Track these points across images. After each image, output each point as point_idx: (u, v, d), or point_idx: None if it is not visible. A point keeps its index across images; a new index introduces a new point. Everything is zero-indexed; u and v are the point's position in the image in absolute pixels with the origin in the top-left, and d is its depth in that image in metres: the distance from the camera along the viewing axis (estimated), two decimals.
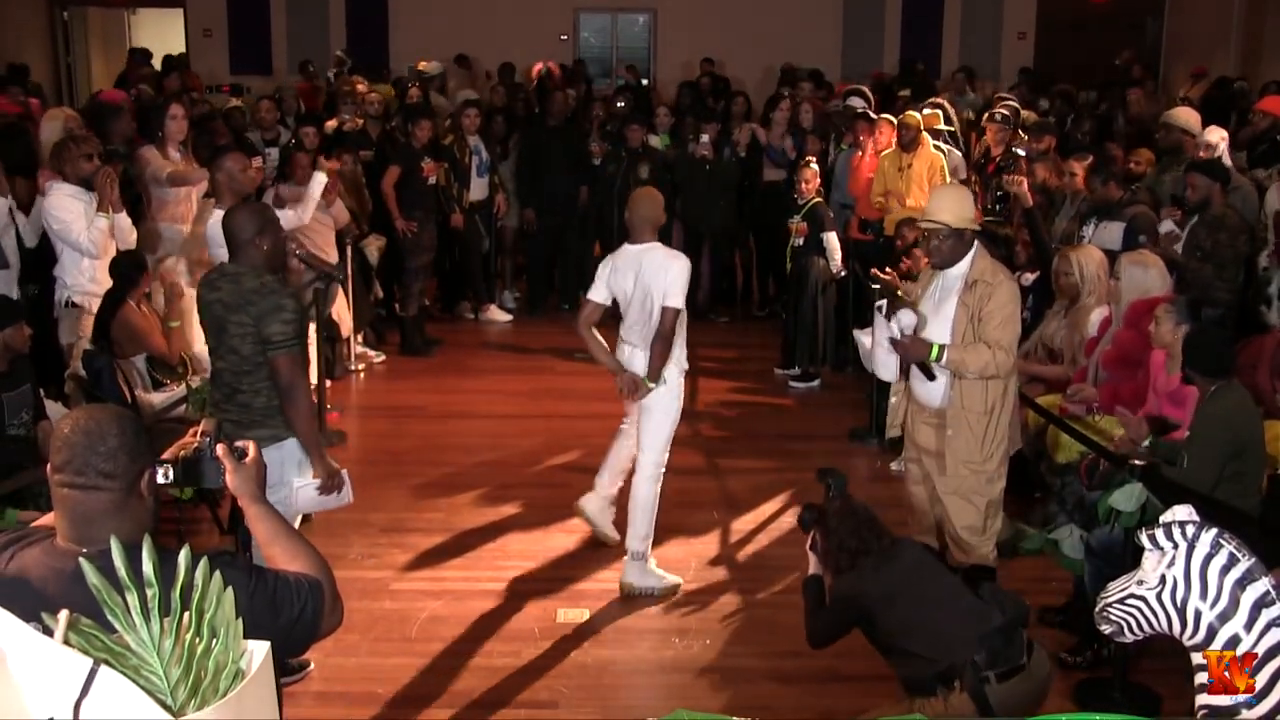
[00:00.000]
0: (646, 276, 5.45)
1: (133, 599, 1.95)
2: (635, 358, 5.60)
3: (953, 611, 3.87)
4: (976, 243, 5.03)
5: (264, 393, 4.47)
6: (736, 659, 5.01)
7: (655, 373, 5.51)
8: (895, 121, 9.17)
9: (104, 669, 1.87)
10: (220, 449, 2.59)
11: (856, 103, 10.49)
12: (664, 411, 5.61)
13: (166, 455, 2.59)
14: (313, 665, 4.84)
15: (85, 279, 6.60)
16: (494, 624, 5.25)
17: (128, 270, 6.42)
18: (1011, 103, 10.22)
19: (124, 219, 6.61)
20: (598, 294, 5.74)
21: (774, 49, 16.66)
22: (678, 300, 5.41)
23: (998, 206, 8.64)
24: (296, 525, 4.55)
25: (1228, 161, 7.62)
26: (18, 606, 2.10)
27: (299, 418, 4.47)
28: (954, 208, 4.95)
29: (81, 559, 2.03)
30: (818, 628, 4.22)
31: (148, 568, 1.98)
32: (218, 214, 6.08)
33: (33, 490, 4.95)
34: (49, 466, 2.36)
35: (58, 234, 6.50)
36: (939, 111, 10.04)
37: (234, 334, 4.44)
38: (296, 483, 4.54)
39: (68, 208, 6.47)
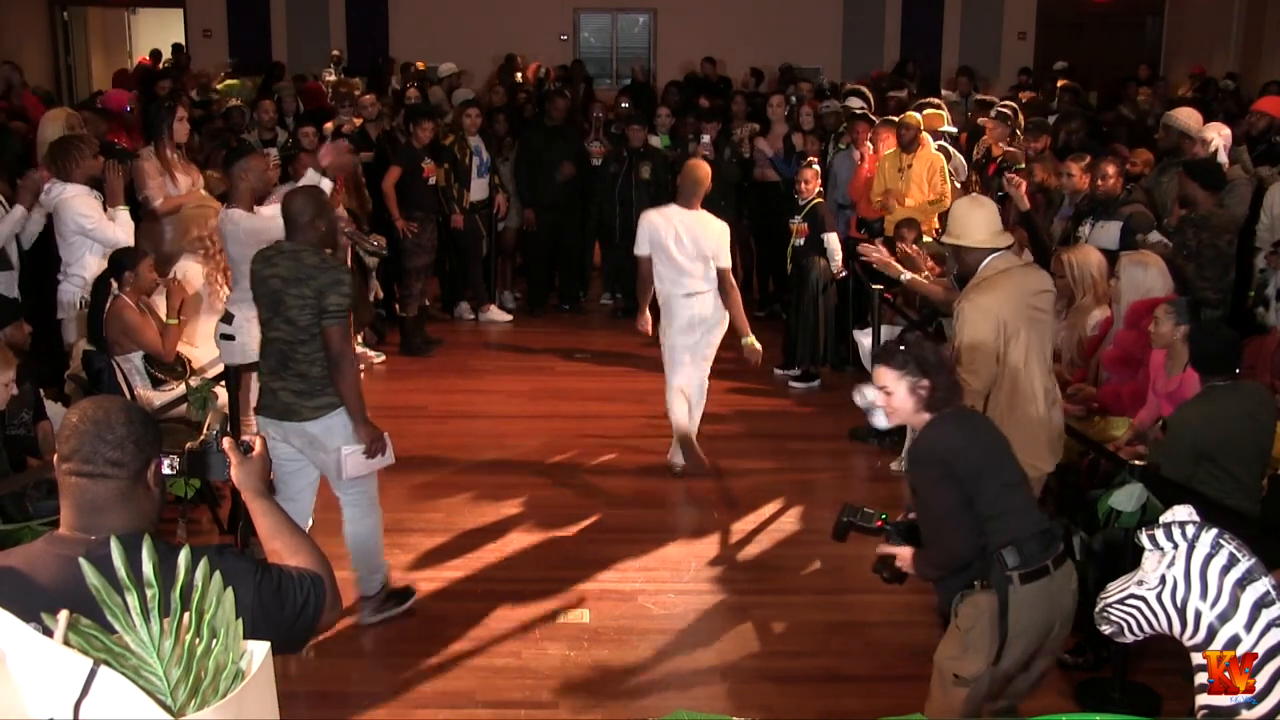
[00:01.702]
0: (696, 234, 6.60)
1: (133, 599, 1.95)
2: (701, 304, 6.71)
3: (1021, 495, 3.76)
4: (988, 259, 4.81)
5: (319, 362, 4.80)
6: (736, 659, 5.01)
7: (745, 326, 6.84)
8: (894, 121, 9.17)
9: (104, 669, 1.87)
10: (227, 442, 2.63)
11: (855, 103, 10.49)
12: (722, 326, 6.86)
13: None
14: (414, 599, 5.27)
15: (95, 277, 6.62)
16: (494, 624, 5.25)
17: (119, 259, 6.43)
18: (1011, 102, 10.23)
19: (126, 214, 6.66)
20: (643, 249, 6.76)
21: (774, 49, 16.68)
22: (727, 260, 6.72)
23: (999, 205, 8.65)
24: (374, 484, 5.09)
25: (1223, 159, 7.59)
26: (22, 594, 2.10)
27: (345, 384, 4.80)
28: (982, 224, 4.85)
29: (82, 560, 2.03)
30: (939, 527, 3.71)
31: (147, 568, 1.98)
32: (233, 213, 6.11)
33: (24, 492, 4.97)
34: (56, 456, 2.37)
35: (91, 233, 6.54)
36: (943, 112, 10.05)
37: (292, 306, 4.75)
38: (345, 450, 4.85)
39: (92, 206, 6.54)
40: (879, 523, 3.91)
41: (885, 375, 3.78)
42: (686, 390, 6.82)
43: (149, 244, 7.07)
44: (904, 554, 3.84)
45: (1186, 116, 8.21)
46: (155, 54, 16.90)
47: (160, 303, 6.49)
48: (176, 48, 17.21)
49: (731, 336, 6.95)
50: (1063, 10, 18.66)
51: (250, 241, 5.97)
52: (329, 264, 4.83)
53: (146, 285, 6.42)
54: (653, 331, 7.00)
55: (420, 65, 15.12)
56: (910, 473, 3.90)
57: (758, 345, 6.83)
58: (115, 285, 6.29)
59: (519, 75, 14.49)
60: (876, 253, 5.88)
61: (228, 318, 6.19)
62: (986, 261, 4.81)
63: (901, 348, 3.81)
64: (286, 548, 2.53)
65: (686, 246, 6.59)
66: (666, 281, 6.72)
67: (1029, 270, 5.04)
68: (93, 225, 6.53)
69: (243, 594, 2.10)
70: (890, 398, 3.78)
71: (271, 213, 5.92)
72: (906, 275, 5.67)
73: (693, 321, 6.71)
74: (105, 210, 6.62)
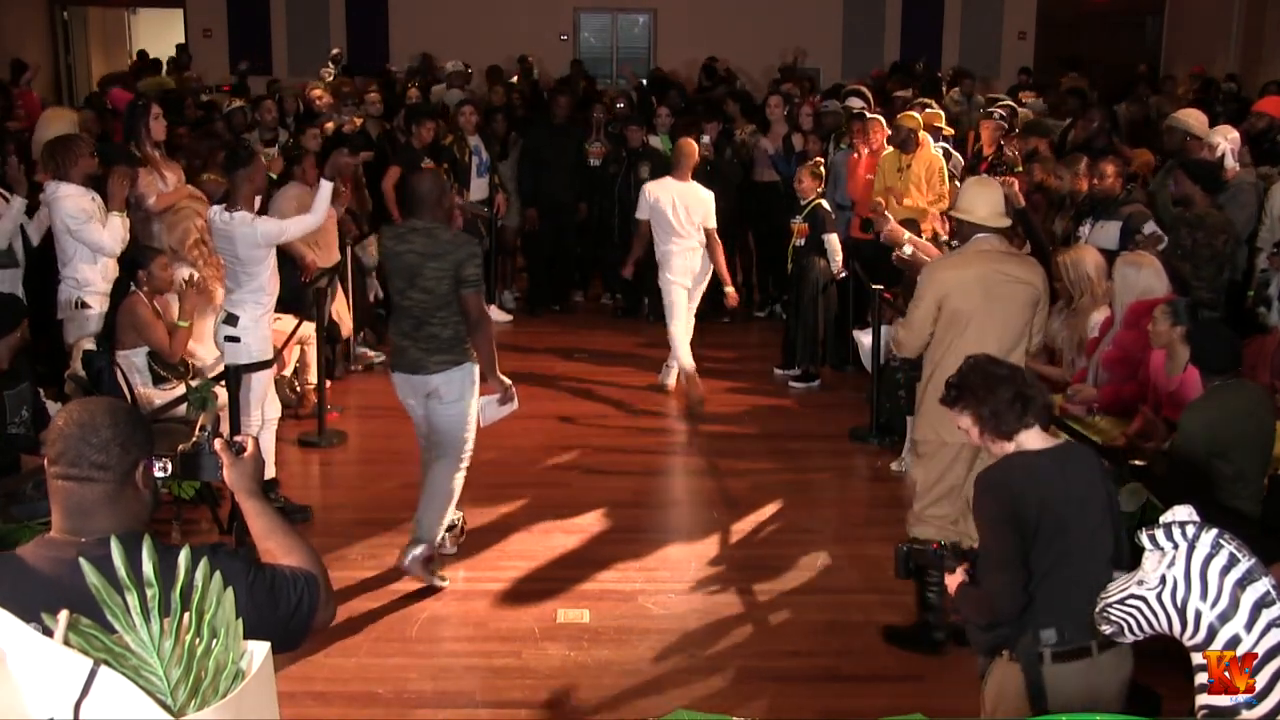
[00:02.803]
0: (689, 201, 8.02)
1: (132, 599, 1.95)
2: (693, 258, 8.13)
3: (1094, 564, 3.26)
4: (976, 236, 4.93)
5: (450, 325, 5.40)
6: (736, 659, 5.01)
7: (726, 277, 8.37)
8: (891, 121, 9.17)
9: (104, 669, 1.87)
10: (218, 443, 2.61)
11: (855, 103, 10.48)
12: (707, 277, 8.31)
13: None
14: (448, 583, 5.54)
15: (99, 278, 6.62)
16: (494, 624, 5.25)
17: (134, 256, 6.44)
18: (1008, 102, 10.22)
19: (124, 220, 6.65)
20: (643, 214, 8.17)
21: (774, 49, 16.67)
22: (713, 221, 8.11)
23: None
24: (469, 445, 5.60)
25: (1232, 163, 7.55)
26: (13, 596, 2.09)
27: (483, 343, 5.47)
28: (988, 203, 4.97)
29: (82, 560, 2.03)
30: (984, 572, 3.36)
31: (147, 568, 1.98)
32: (240, 215, 6.11)
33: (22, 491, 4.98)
34: (45, 459, 2.37)
35: (76, 234, 6.51)
36: (940, 112, 10.03)
37: (430, 277, 5.34)
38: (483, 400, 5.56)
39: (83, 207, 6.50)
40: (935, 545, 3.63)
41: (957, 418, 3.50)
42: (684, 335, 8.18)
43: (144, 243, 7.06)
44: (951, 580, 3.47)
45: (1191, 118, 8.19)
46: (142, 55, 16.87)
47: (172, 303, 6.50)
48: (180, 48, 17.21)
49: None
50: (1063, 10, 18.65)
51: (265, 243, 6.08)
52: (461, 239, 5.54)
53: (161, 284, 6.42)
54: (631, 275, 8.93)
55: (446, 65, 15.08)
56: (973, 499, 3.54)
57: (735, 294, 8.52)
58: (133, 283, 6.31)
59: (518, 77, 14.48)
60: (887, 223, 6.36)
61: (232, 320, 6.17)
62: (974, 238, 4.92)
63: (951, 382, 3.53)
64: (280, 547, 2.53)
65: (680, 212, 8.00)
66: (663, 240, 8.10)
67: (1014, 259, 5.04)
68: (78, 226, 6.46)
69: (236, 593, 2.10)
70: (972, 435, 3.48)
71: (285, 212, 6.27)
72: (908, 250, 5.78)
73: (685, 270, 8.09)
74: (107, 212, 6.60)
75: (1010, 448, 3.40)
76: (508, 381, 5.63)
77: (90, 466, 2.31)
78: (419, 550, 5.48)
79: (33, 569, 2.27)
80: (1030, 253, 7.09)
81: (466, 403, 5.51)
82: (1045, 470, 3.34)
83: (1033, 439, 3.40)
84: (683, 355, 8.14)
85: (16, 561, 2.30)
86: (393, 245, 5.52)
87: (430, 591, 5.49)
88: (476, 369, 5.51)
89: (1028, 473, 3.33)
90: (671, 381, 8.41)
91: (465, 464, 5.61)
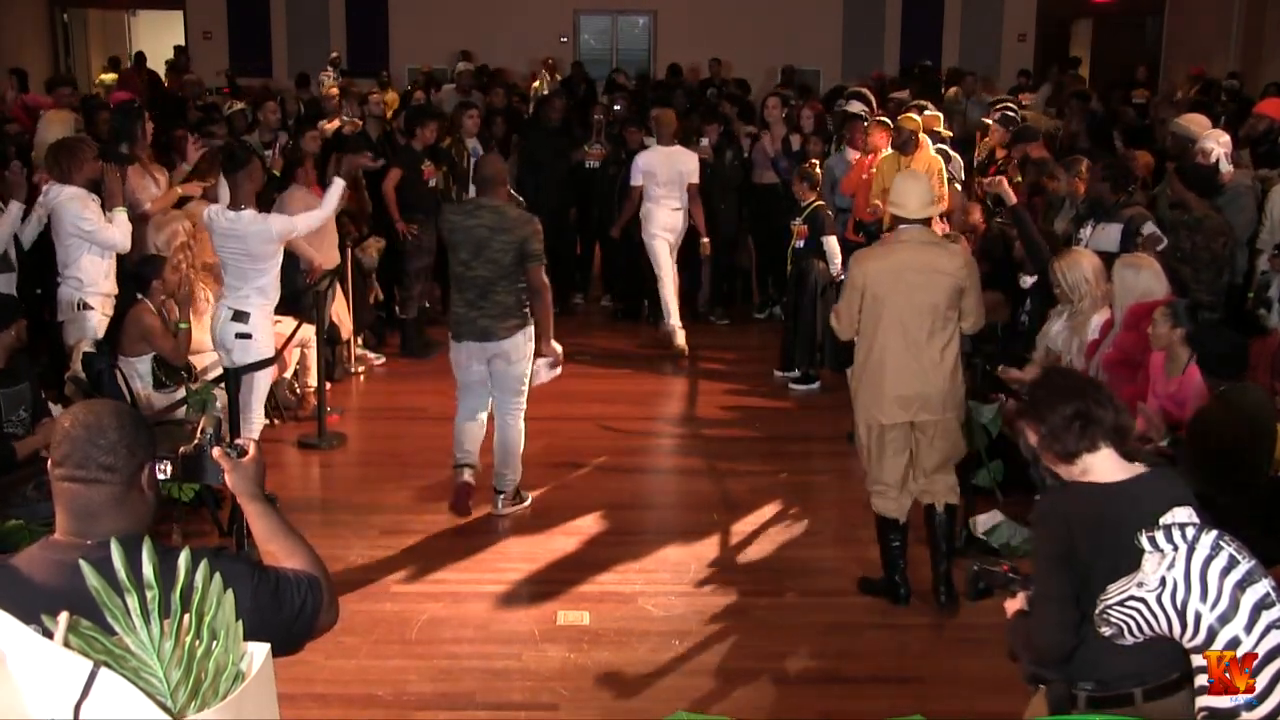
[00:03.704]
0: (675, 163, 9.15)
1: (133, 601, 1.95)
2: (675, 216, 9.27)
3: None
4: (901, 227, 5.36)
5: (513, 293, 6.06)
6: (736, 660, 5.01)
7: (704, 229, 9.31)
8: (888, 122, 9.16)
9: (104, 671, 1.87)
10: (216, 451, 2.59)
11: (856, 105, 10.47)
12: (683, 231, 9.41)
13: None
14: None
15: (103, 279, 6.63)
16: (494, 626, 5.25)
17: (141, 269, 6.45)
18: (1012, 104, 10.22)
19: (124, 215, 6.68)
20: (636, 180, 9.24)
21: (774, 50, 16.69)
22: (696, 178, 9.18)
23: (999, 209, 8.64)
24: (525, 396, 6.31)
25: (1227, 167, 7.55)
26: (18, 598, 2.09)
27: (544, 311, 6.18)
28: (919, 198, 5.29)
29: (82, 561, 2.03)
30: (1032, 606, 3.08)
31: (148, 570, 1.98)
32: (245, 214, 6.12)
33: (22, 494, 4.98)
34: (49, 461, 2.37)
35: (90, 235, 6.52)
36: (938, 114, 10.03)
37: (497, 249, 5.98)
38: (540, 361, 6.26)
39: (91, 209, 6.53)
40: (1004, 567, 3.33)
41: (1026, 433, 3.19)
42: (673, 295, 9.27)
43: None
44: (1009, 606, 3.18)
45: (1194, 123, 8.18)
46: (139, 56, 16.92)
47: (173, 306, 6.51)
48: (178, 50, 17.23)
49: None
50: (1063, 11, 18.67)
51: (278, 238, 6.21)
52: (525, 218, 6.12)
53: (170, 288, 6.44)
54: (619, 236, 9.76)
55: (427, 67, 15.16)
56: (1031, 525, 3.25)
57: (708, 243, 9.37)
58: (139, 292, 6.32)
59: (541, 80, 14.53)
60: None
61: (242, 316, 6.19)
62: (899, 229, 5.34)
63: (1023, 392, 3.24)
64: (283, 550, 2.53)
65: (668, 173, 9.12)
66: (650, 199, 9.20)
67: (935, 248, 5.30)
68: (91, 228, 6.50)
69: (240, 596, 2.10)
70: (1044, 457, 3.15)
71: (293, 214, 6.52)
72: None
73: (667, 225, 9.21)
74: (105, 212, 6.62)
75: (1076, 472, 3.04)
76: (559, 348, 6.33)
77: (97, 469, 2.31)
78: (501, 500, 6.32)
79: (33, 572, 2.26)
80: (1024, 253, 7.10)
81: (527, 362, 6.22)
82: (1111, 505, 2.95)
83: (1104, 465, 3.02)
84: (673, 312, 9.23)
85: (14, 567, 2.31)
86: (461, 220, 6.10)
87: (430, 594, 5.50)
88: (533, 330, 6.17)
89: (1087, 506, 2.98)
90: (681, 340, 9.13)
91: (524, 411, 6.35)
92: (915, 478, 5.38)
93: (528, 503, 6.45)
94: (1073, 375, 3.34)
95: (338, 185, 6.65)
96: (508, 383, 6.22)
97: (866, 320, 5.23)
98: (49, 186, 6.60)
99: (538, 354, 6.24)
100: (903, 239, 5.28)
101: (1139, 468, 3.04)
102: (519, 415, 6.31)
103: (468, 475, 6.33)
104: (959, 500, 5.51)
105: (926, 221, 5.34)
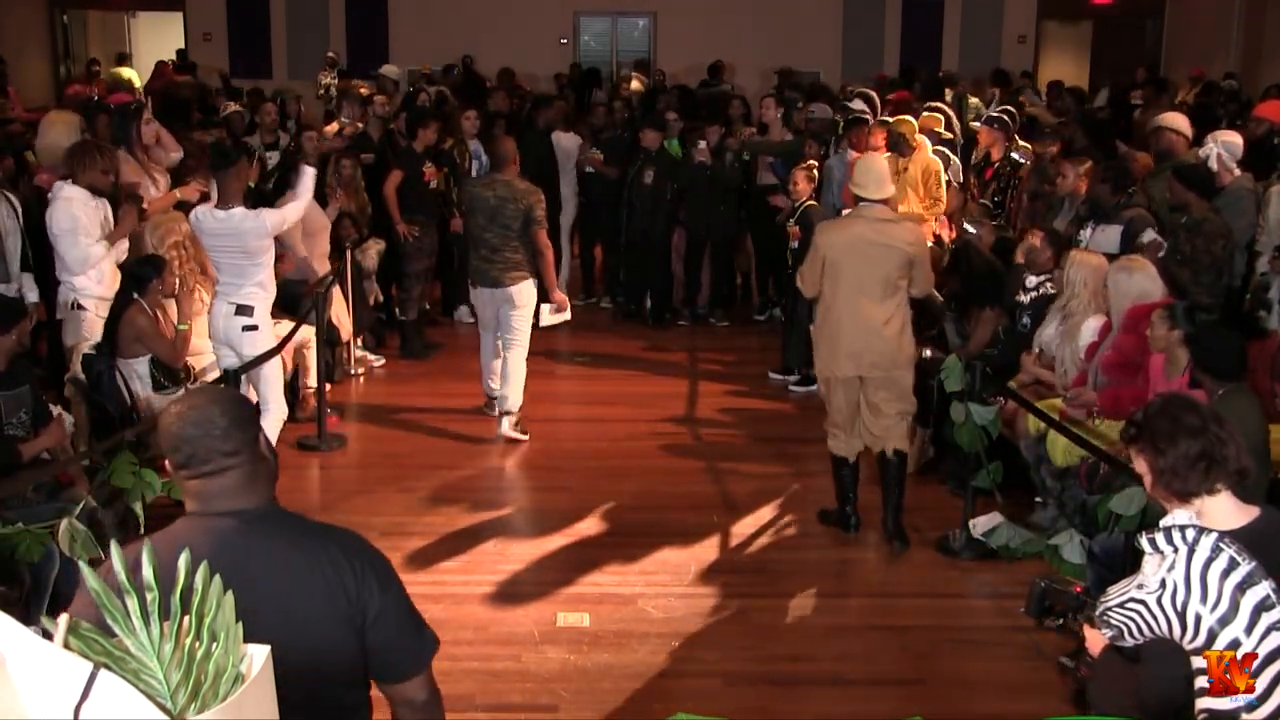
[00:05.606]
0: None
1: (132, 602, 1.95)
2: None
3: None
4: (859, 204, 5.95)
5: (519, 251, 7.29)
6: (736, 663, 5.01)
7: None
8: (887, 122, 9.15)
9: (104, 672, 1.87)
10: None
11: (858, 105, 10.46)
12: None
13: None
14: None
15: (93, 281, 6.61)
16: (493, 627, 5.25)
17: (139, 269, 6.44)
18: (1009, 106, 10.22)
19: (109, 257, 6.67)
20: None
21: (774, 51, 16.69)
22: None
23: (996, 210, 8.65)
24: (528, 336, 7.47)
25: (1215, 166, 7.53)
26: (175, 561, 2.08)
27: (547, 266, 7.43)
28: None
29: (82, 565, 2.03)
30: (1148, 668, 2.88)
31: (147, 571, 1.98)
32: (237, 212, 6.11)
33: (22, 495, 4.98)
34: (170, 464, 2.41)
35: (56, 238, 6.50)
36: (939, 115, 10.03)
37: (509, 215, 7.23)
38: (545, 307, 7.49)
39: (75, 214, 6.49)
40: (1077, 588, 3.17)
41: (1134, 459, 3.04)
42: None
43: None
44: (1094, 640, 3.00)
45: (1174, 118, 8.18)
46: (93, 61, 16.91)
47: (171, 308, 6.50)
48: (180, 53, 17.23)
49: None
50: (1062, 12, 18.68)
51: (272, 231, 6.22)
52: (531, 189, 7.35)
53: (168, 290, 6.44)
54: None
55: (426, 68, 15.15)
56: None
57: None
58: (135, 293, 6.31)
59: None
60: None
61: (246, 310, 6.20)
62: (859, 205, 5.92)
63: (1135, 419, 3.05)
64: None
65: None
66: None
67: (890, 224, 5.92)
68: (60, 230, 6.47)
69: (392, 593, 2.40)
70: (1146, 483, 3.04)
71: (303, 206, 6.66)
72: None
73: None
74: (100, 233, 6.59)
75: (1188, 513, 2.78)
76: (563, 294, 7.75)
77: (221, 457, 2.35)
78: (510, 418, 7.43)
79: (190, 540, 2.25)
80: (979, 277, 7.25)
81: (531, 307, 7.41)
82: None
83: (1221, 509, 2.93)
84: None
85: (172, 536, 2.33)
86: (479, 190, 7.44)
87: (430, 595, 5.49)
88: (535, 283, 7.38)
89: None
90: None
91: (526, 350, 7.46)
92: (870, 427, 5.98)
93: (527, 437, 7.43)
94: (1196, 408, 3.07)
95: (308, 173, 6.66)
96: (513, 323, 7.38)
97: (826, 284, 5.89)
98: (56, 184, 6.61)
99: (544, 301, 7.45)
100: (862, 214, 5.90)
101: (1254, 510, 2.96)
102: (520, 352, 7.41)
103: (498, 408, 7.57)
104: (908, 447, 6.12)
105: (886, 201, 5.95)
